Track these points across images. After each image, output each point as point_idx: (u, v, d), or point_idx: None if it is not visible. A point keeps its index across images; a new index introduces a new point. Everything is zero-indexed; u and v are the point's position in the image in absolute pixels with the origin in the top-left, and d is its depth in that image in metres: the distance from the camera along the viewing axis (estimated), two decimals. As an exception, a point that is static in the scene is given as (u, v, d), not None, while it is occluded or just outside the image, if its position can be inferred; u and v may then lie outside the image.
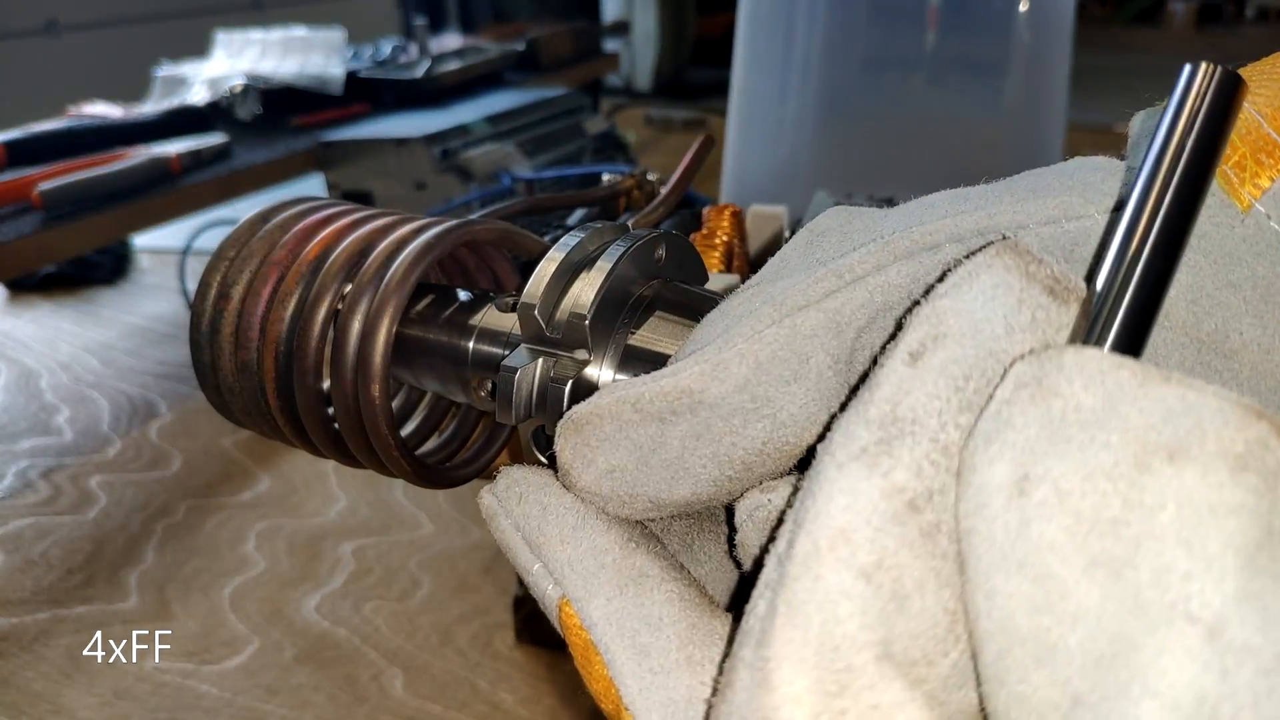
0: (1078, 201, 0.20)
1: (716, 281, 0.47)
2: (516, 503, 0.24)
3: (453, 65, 1.57)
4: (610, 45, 2.49)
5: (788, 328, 0.20)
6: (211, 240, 1.33)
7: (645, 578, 0.21)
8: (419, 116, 1.34)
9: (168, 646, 0.70)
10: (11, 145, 1.07)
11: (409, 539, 0.81)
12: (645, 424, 0.21)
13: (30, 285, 1.49)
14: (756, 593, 0.17)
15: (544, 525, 0.23)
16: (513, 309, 0.29)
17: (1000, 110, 1.00)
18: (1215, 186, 0.20)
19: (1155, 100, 0.21)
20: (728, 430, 0.20)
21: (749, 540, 0.22)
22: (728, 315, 0.22)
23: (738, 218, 0.54)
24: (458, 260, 0.36)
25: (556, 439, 0.23)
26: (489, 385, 0.30)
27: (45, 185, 0.94)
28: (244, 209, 0.36)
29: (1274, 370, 0.19)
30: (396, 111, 1.42)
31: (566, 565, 0.22)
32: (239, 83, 1.38)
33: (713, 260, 0.49)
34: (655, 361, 0.26)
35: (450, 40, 1.92)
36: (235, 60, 1.51)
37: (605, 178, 0.61)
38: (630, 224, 0.51)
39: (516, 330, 0.29)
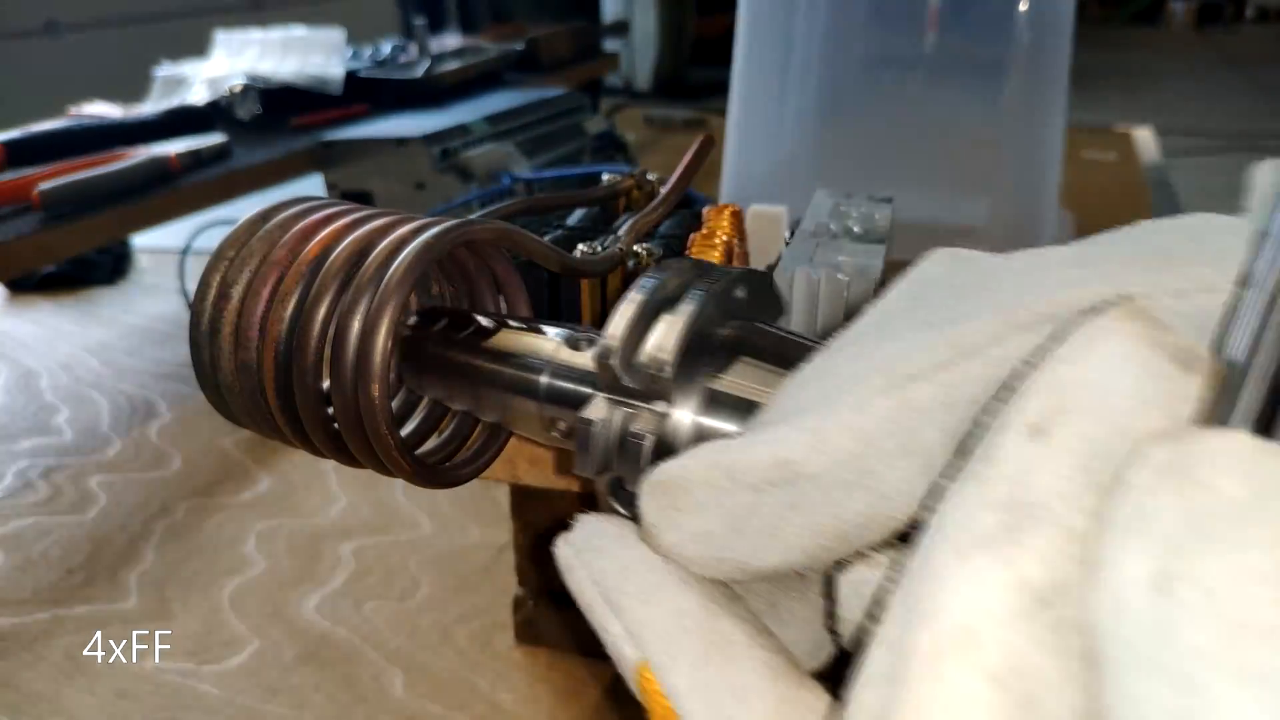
0: (1210, 273, 0.19)
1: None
2: (595, 556, 0.23)
3: (452, 65, 1.57)
4: (610, 45, 2.49)
5: (898, 400, 0.19)
6: (211, 240, 1.33)
7: (730, 644, 0.20)
8: (419, 116, 1.34)
9: (168, 646, 0.70)
10: (11, 145, 1.07)
11: (409, 539, 0.81)
12: (739, 492, 0.20)
13: (30, 285, 1.49)
14: (862, 681, 0.16)
15: (623, 583, 0.22)
16: (589, 347, 0.29)
17: (1000, 110, 1.00)
18: None
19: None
20: (827, 502, 0.19)
21: (851, 615, 0.21)
22: (827, 375, 0.21)
23: (738, 218, 0.54)
24: (457, 260, 0.36)
25: (642, 498, 0.22)
26: (563, 428, 0.29)
27: (45, 185, 0.94)
28: (244, 209, 0.36)
29: None
30: (396, 111, 1.42)
31: (647, 627, 0.21)
32: (239, 83, 1.38)
33: (713, 260, 0.49)
34: (742, 409, 0.25)
35: (450, 40, 1.92)
36: (235, 60, 1.51)
37: (605, 178, 0.61)
38: (630, 223, 0.51)
39: (592, 369, 0.28)
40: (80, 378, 1.17)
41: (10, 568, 0.80)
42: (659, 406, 0.25)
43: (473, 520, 0.83)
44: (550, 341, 0.31)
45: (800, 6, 1.07)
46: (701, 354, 0.25)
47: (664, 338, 0.25)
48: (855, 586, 0.21)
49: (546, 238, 0.52)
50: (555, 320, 0.33)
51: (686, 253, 0.50)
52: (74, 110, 1.32)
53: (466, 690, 0.64)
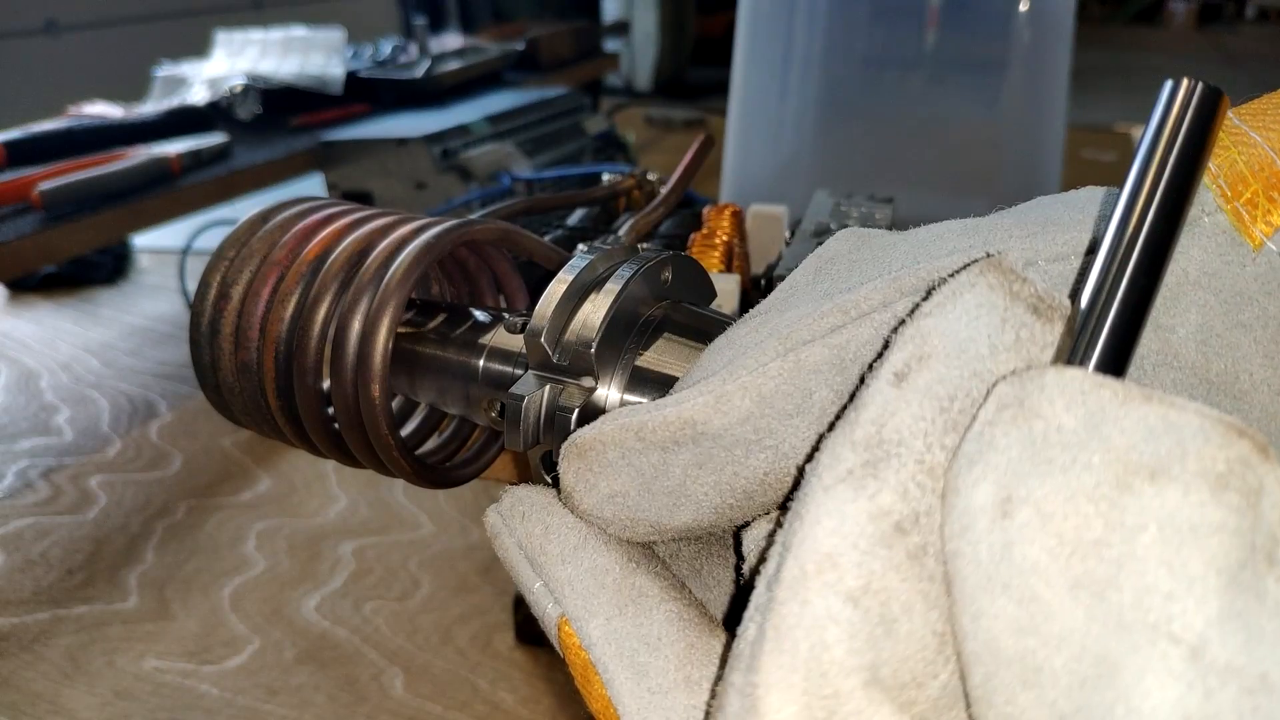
0: (1087, 237, 0.20)
1: (716, 281, 0.47)
2: (520, 521, 0.24)
3: (453, 65, 1.57)
4: (610, 45, 2.49)
5: (792, 362, 0.20)
6: (211, 240, 1.33)
7: (644, 597, 0.21)
8: (419, 116, 1.34)
9: (168, 646, 0.70)
10: (11, 145, 1.07)
11: (409, 539, 0.81)
12: (648, 452, 0.21)
13: (30, 285, 1.49)
14: (747, 615, 0.17)
15: (546, 544, 0.23)
16: (522, 330, 0.29)
17: (1000, 110, 1.00)
18: (1226, 224, 0.19)
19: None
20: (730, 460, 0.20)
21: (750, 568, 0.22)
22: (734, 344, 0.22)
23: (738, 218, 0.54)
24: (457, 260, 0.36)
25: (560, 462, 0.23)
26: (498, 406, 0.30)
27: (45, 185, 0.94)
28: (244, 209, 0.36)
29: None
30: (396, 111, 1.42)
31: (566, 584, 0.22)
32: (239, 83, 1.38)
33: (713, 260, 0.49)
34: (663, 384, 0.26)
35: (450, 40, 1.92)
36: (235, 60, 1.51)
37: (605, 178, 0.61)
38: (631, 222, 0.51)
39: (524, 352, 0.29)
40: (80, 378, 1.17)
41: (10, 568, 0.80)
42: (586, 382, 0.26)
43: (473, 520, 0.83)
44: (490, 327, 0.31)
45: (800, 6, 1.07)
46: (628, 332, 0.26)
47: (590, 316, 0.26)
48: (756, 541, 0.21)
49: (547, 238, 0.52)
50: (515, 309, 0.34)
51: (687, 253, 0.50)
52: (74, 110, 1.32)
53: (466, 690, 0.64)
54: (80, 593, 0.77)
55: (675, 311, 0.28)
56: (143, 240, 1.57)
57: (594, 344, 0.25)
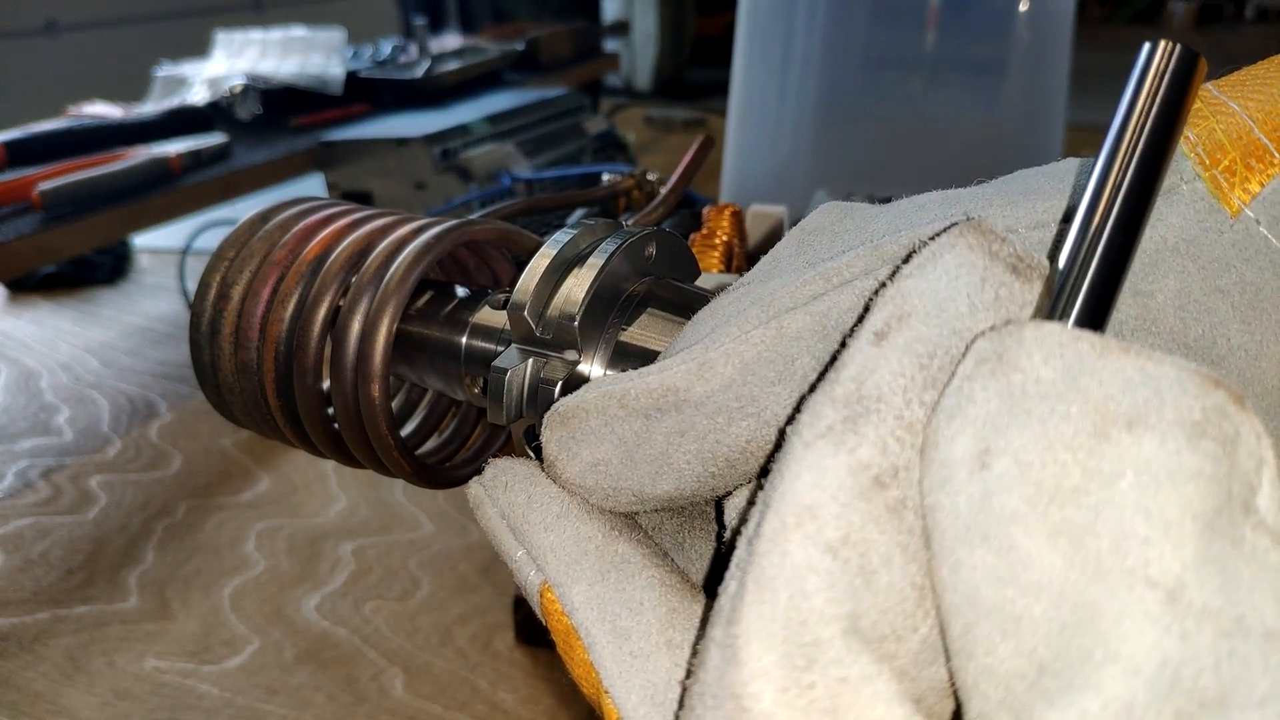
0: (1065, 205, 0.20)
1: (712, 280, 0.47)
2: (502, 491, 0.24)
3: (453, 65, 1.57)
4: (610, 45, 2.48)
5: (774, 329, 0.20)
6: (211, 240, 1.33)
7: (626, 564, 0.22)
8: (419, 116, 1.34)
9: (168, 646, 0.70)
10: (11, 145, 1.07)
11: (409, 539, 0.81)
12: (630, 419, 0.21)
13: (30, 285, 1.49)
14: (729, 574, 0.17)
15: (528, 513, 0.23)
16: (504, 306, 0.29)
17: (1000, 110, 1.00)
18: (1204, 191, 0.20)
19: None
20: (712, 428, 0.21)
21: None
22: (717, 314, 0.22)
23: (738, 218, 0.54)
24: (457, 260, 0.36)
25: (543, 431, 0.23)
26: (481, 382, 0.30)
27: (45, 185, 0.94)
28: (244, 209, 0.36)
29: (1261, 376, 0.19)
30: (396, 111, 1.42)
31: (549, 551, 0.22)
32: (239, 83, 1.38)
33: (712, 260, 0.49)
34: (646, 358, 0.26)
35: (450, 40, 1.92)
36: (235, 60, 1.51)
37: (605, 178, 0.61)
38: (631, 223, 0.51)
39: (508, 328, 0.29)
40: (80, 378, 1.17)
41: (10, 568, 0.80)
42: (569, 355, 0.26)
43: (472, 520, 0.83)
44: (473, 304, 0.31)
45: (800, 7, 1.07)
46: (610, 307, 0.26)
47: (573, 290, 0.26)
48: (736, 508, 0.22)
49: (546, 237, 0.52)
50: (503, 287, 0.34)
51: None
52: (74, 110, 1.32)
53: (466, 690, 0.64)
54: (80, 593, 0.77)
55: (659, 287, 0.28)
56: (143, 240, 1.57)
57: (577, 318, 0.25)
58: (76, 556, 0.81)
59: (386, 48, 1.71)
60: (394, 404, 0.36)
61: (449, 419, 0.37)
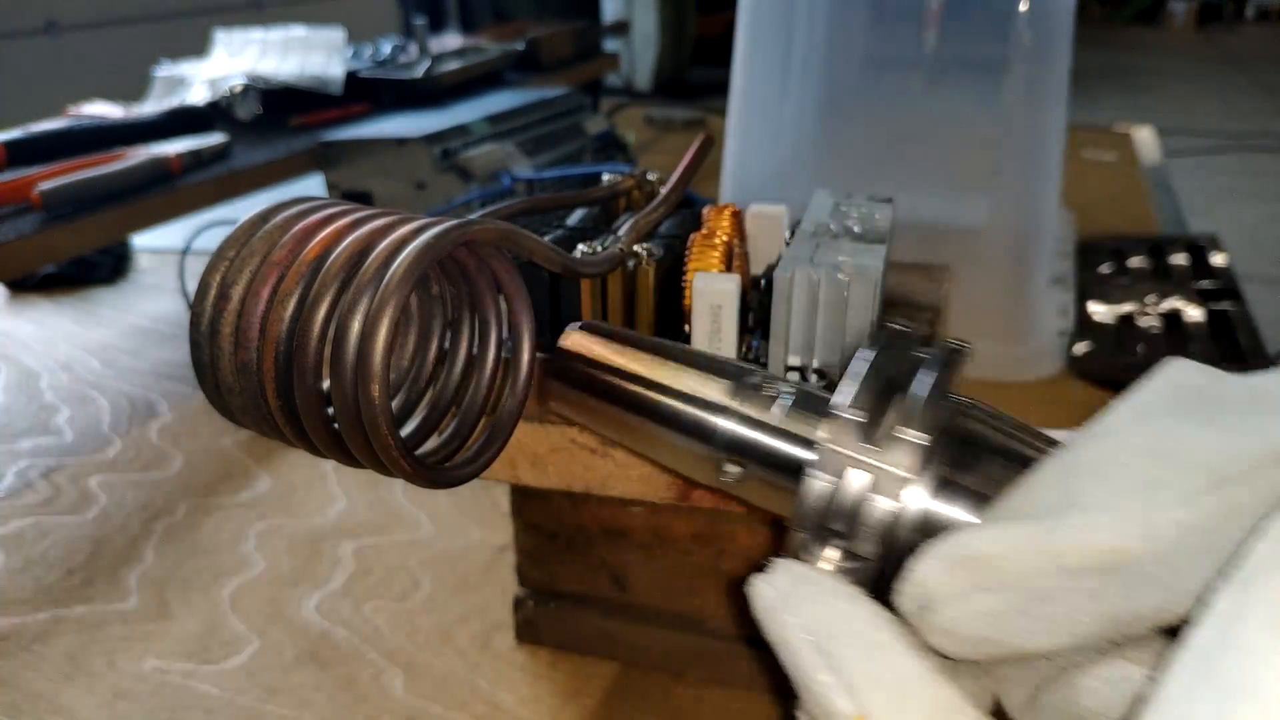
0: None
1: (716, 281, 0.47)
2: (808, 605, 0.22)
3: (453, 65, 1.57)
4: (610, 45, 2.48)
5: (1226, 500, 0.19)
6: (211, 240, 1.33)
7: (960, 714, 0.20)
8: (419, 116, 1.34)
9: (168, 646, 0.70)
10: (11, 145, 1.07)
11: (409, 539, 0.81)
12: (1056, 575, 0.20)
13: (30, 285, 1.49)
14: None
15: (844, 637, 0.22)
16: (762, 388, 0.29)
17: (1000, 110, 1.00)
18: None
19: None
20: (1129, 593, 0.19)
21: (1105, 708, 0.21)
22: (1105, 464, 0.21)
23: (738, 218, 0.54)
24: (458, 260, 0.36)
25: (927, 568, 0.21)
26: (733, 470, 0.30)
27: (45, 185, 0.94)
28: (244, 209, 0.36)
29: None
30: (396, 111, 1.42)
31: (874, 685, 0.21)
32: (239, 83, 1.38)
33: (712, 260, 0.49)
34: (970, 499, 0.24)
35: (450, 40, 1.92)
36: (235, 60, 1.51)
37: (605, 178, 0.61)
38: (631, 223, 0.51)
39: (783, 425, 0.28)
40: (80, 378, 1.17)
41: (10, 568, 0.80)
42: (903, 473, 0.25)
43: (473, 520, 0.83)
44: (722, 382, 0.31)
45: (800, 6, 1.07)
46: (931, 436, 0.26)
47: (905, 417, 0.25)
48: (1117, 683, 0.21)
49: (547, 238, 0.52)
50: (711, 353, 0.34)
51: (687, 253, 0.50)
52: (74, 110, 1.32)
53: (467, 690, 0.64)
54: (80, 593, 0.77)
55: (974, 418, 0.27)
56: (143, 240, 1.56)
57: (922, 445, 0.24)
58: (76, 556, 0.81)
59: (386, 47, 1.71)
60: (394, 404, 0.36)
61: (449, 419, 0.37)
